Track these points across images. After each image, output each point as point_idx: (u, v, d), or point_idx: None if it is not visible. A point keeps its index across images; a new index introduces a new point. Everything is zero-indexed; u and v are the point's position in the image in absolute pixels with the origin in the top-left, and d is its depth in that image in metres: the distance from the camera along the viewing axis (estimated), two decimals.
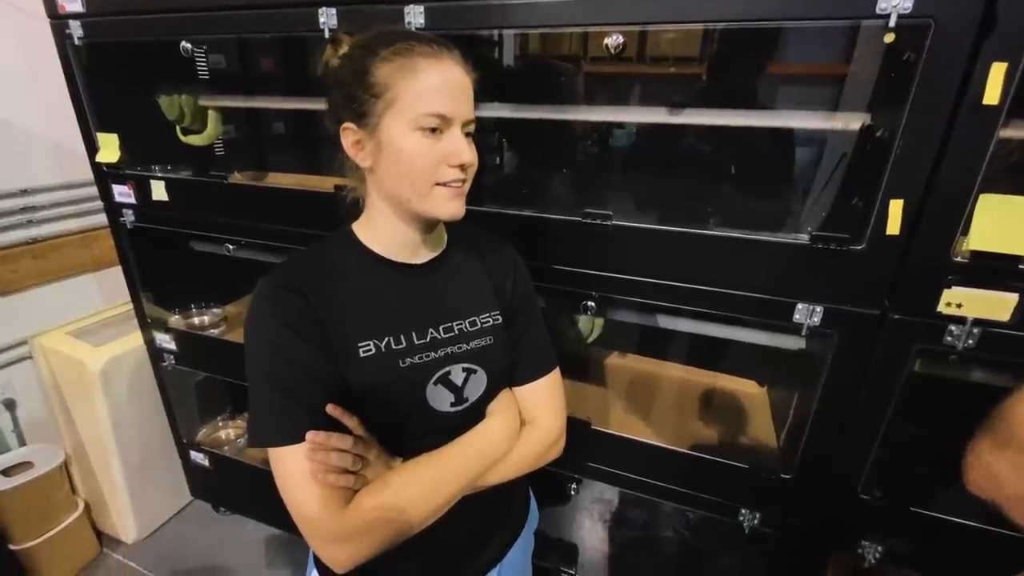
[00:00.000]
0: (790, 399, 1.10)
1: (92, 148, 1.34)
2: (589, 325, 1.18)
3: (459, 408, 0.71)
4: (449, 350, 0.70)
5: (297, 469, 0.60)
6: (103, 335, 1.63)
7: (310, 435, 0.59)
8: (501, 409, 0.75)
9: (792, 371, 1.12)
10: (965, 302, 0.76)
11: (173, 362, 1.55)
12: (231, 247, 1.30)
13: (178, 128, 1.37)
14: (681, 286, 0.93)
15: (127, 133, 1.32)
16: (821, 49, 0.97)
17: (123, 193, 1.37)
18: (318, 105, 1.18)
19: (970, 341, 0.78)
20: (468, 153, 0.63)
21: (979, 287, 0.75)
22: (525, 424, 0.77)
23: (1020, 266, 0.72)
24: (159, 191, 1.32)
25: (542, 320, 0.81)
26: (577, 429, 0.81)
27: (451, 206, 0.65)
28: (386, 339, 0.67)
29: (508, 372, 0.77)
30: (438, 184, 0.63)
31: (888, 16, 0.68)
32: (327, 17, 0.97)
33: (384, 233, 0.70)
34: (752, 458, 1.03)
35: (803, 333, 0.87)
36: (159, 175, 1.31)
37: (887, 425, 0.87)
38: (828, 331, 0.86)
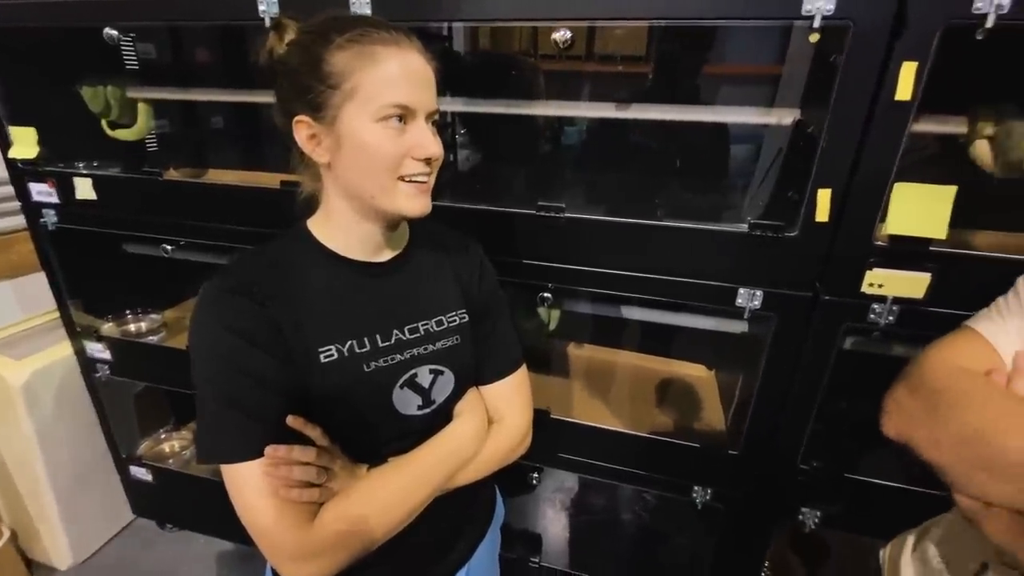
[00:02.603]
0: (736, 381, 1.16)
1: (4, 143, 1.23)
2: (547, 316, 1.20)
3: (427, 410, 0.70)
4: (415, 351, 0.68)
5: (256, 486, 0.56)
6: (25, 347, 1.50)
7: (270, 450, 0.56)
8: (469, 409, 0.74)
9: (737, 354, 1.18)
10: (885, 282, 0.83)
11: (108, 372, 1.45)
12: (169, 248, 1.23)
13: (104, 122, 1.28)
14: (632, 275, 0.96)
15: (46, 127, 1.22)
16: (759, 50, 1.03)
17: (43, 192, 1.27)
18: (259, 98, 1.14)
19: (890, 318, 0.85)
20: (435, 145, 0.61)
21: (897, 268, 0.82)
22: (492, 423, 0.77)
23: (931, 248, 0.80)
24: (85, 189, 1.23)
25: (509, 317, 0.80)
26: (538, 418, 0.82)
27: (417, 202, 0.62)
28: (349, 343, 0.64)
29: (475, 371, 0.76)
30: (402, 179, 0.61)
31: (813, 17, 0.73)
32: (267, 5, 0.93)
33: (343, 231, 0.66)
34: (703, 438, 1.08)
35: (745, 316, 0.93)
36: (84, 172, 1.22)
37: (821, 400, 0.94)
38: (768, 314, 0.91)
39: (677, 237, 0.92)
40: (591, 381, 1.37)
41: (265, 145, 1.43)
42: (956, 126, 0.84)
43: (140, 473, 1.58)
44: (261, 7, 0.93)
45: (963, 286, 0.80)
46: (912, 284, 0.82)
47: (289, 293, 0.62)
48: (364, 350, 0.65)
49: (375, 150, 0.59)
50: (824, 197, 0.81)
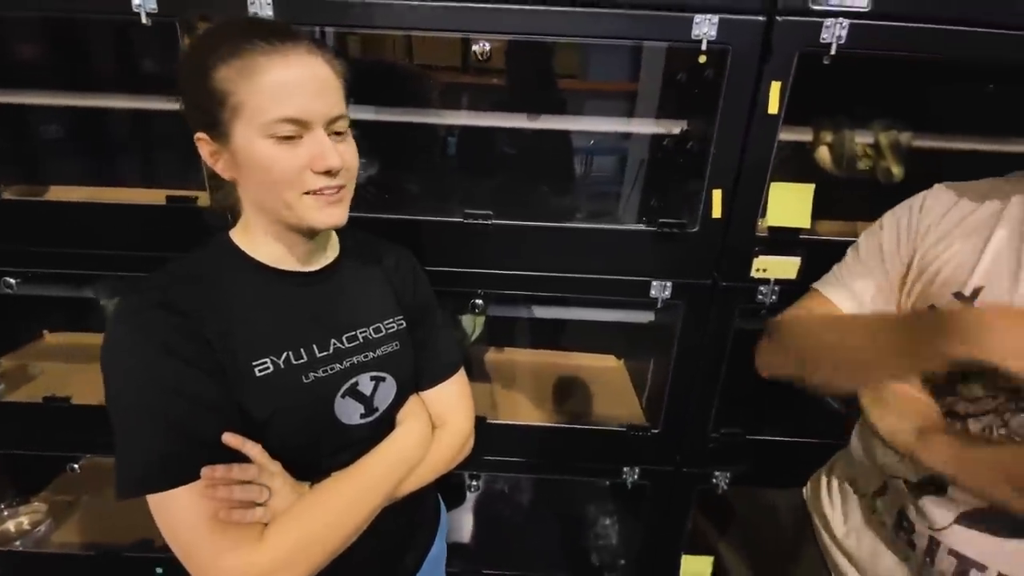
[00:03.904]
0: (644, 366, 1.28)
1: None
2: (471, 324, 1.21)
3: (370, 419, 0.68)
4: (355, 359, 0.67)
5: (193, 512, 0.52)
6: None
7: (207, 471, 0.52)
8: (412, 415, 0.74)
9: (643, 342, 1.30)
10: (768, 267, 0.98)
11: None
12: (14, 282, 1.01)
13: None
14: (557, 276, 1.02)
15: None
16: (652, 67, 1.14)
17: None
18: (114, 102, 0.99)
19: (774, 297, 1.00)
20: (335, 156, 0.57)
21: (776, 255, 0.97)
22: (436, 427, 0.77)
23: (800, 236, 0.96)
24: None
25: (443, 321, 0.81)
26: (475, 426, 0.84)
27: (327, 214, 0.59)
28: (284, 354, 0.61)
29: (415, 377, 0.76)
30: (307, 193, 0.58)
31: (700, 41, 0.85)
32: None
33: (266, 242, 0.63)
34: (625, 421, 1.17)
35: (659, 306, 1.03)
36: None
37: (724, 374, 1.07)
38: (676, 302, 1.02)
39: (597, 238, 0.99)
40: (514, 383, 1.40)
41: (141, 156, 1.25)
42: (806, 135, 1.03)
43: None
44: (136, 1, 0.82)
45: (824, 266, 0.95)
46: (788, 267, 0.98)
47: (216, 306, 0.59)
48: (301, 361, 0.62)
49: (269, 167, 0.56)
50: (717, 196, 0.94)
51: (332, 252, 0.70)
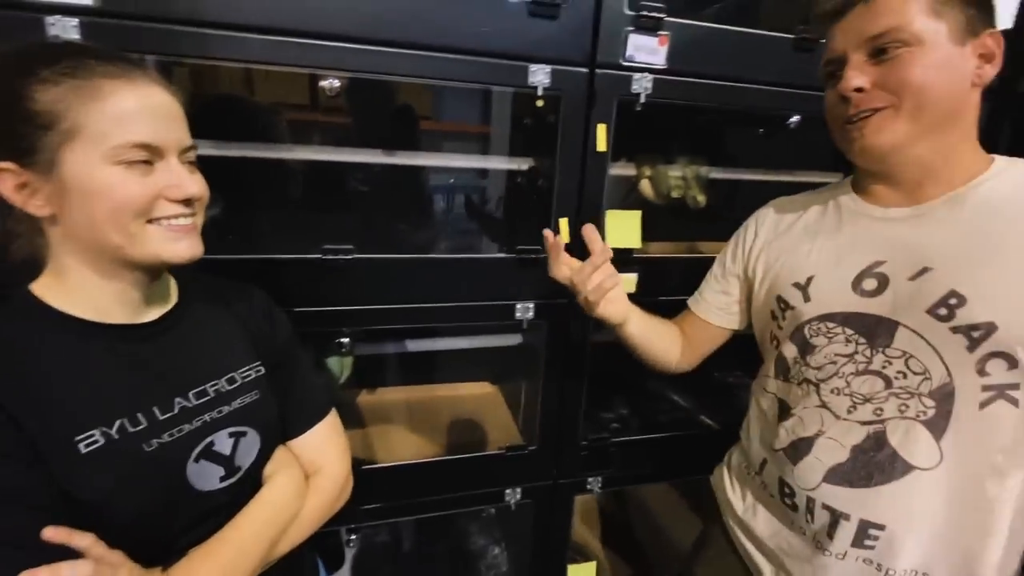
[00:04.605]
0: (517, 387, 1.33)
1: None
2: (339, 366, 1.15)
3: (232, 480, 0.62)
4: (207, 417, 0.60)
5: None
6: None
7: (26, 575, 0.43)
8: (281, 467, 0.68)
9: (514, 364, 1.35)
10: None
11: None
12: None
13: None
14: (424, 307, 1.02)
15: None
16: (502, 109, 1.24)
17: None
18: None
19: None
20: (193, 184, 0.56)
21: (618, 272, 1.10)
22: (310, 476, 0.72)
23: (635, 255, 1.10)
24: None
25: (308, 363, 0.77)
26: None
27: (184, 246, 0.56)
28: (117, 423, 0.53)
29: (280, 427, 0.70)
30: (152, 222, 0.54)
31: (536, 87, 0.95)
32: None
33: (85, 292, 0.56)
34: (504, 444, 1.20)
35: (524, 327, 1.09)
36: None
37: (587, 384, 1.16)
38: (540, 321, 1.10)
39: (462, 267, 1.03)
40: (390, 423, 1.35)
41: None
42: (632, 170, 1.19)
43: None
44: None
45: (657, 280, 1.12)
46: (628, 283, 1.11)
47: (20, 377, 0.50)
48: (140, 428, 0.55)
49: (116, 195, 0.52)
50: (564, 224, 1.04)
51: (170, 299, 0.64)
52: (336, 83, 0.86)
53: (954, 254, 0.63)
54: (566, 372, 1.14)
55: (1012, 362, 0.59)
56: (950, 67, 0.61)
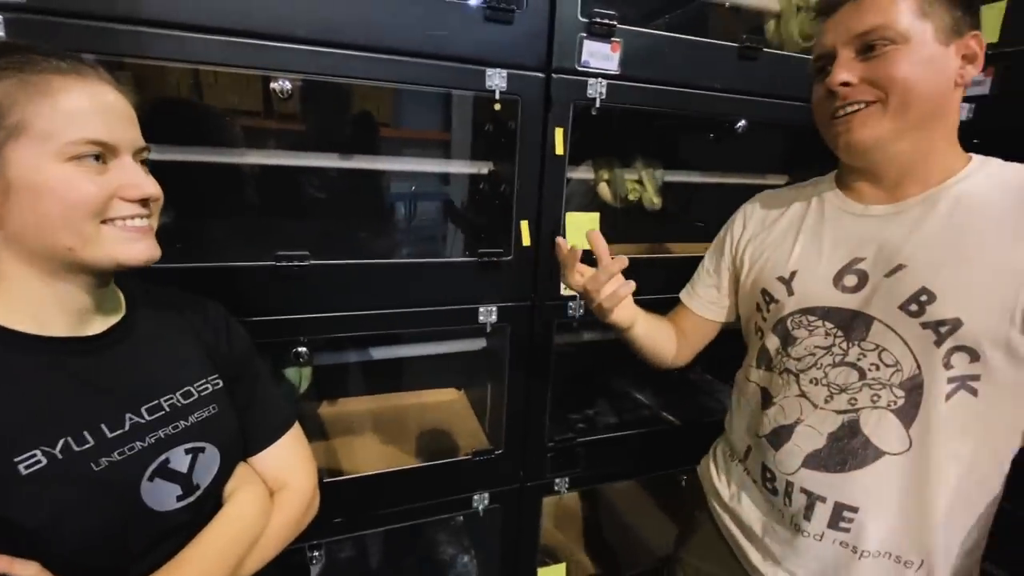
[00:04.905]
0: (483, 392, 1.32)
1: None
2: (297, 377, 1.12)
3: (190, 499, 0.59)
4: (161, 433, 0.58)
5: None
6: None
7: None
8: (244, 483, 0.65)
9: (479, 368, 1.35)
10: None
11: None
12: None
13: None
14: (385, 312, 1.01)
15: None
16: (462, 113, 1.24)
17: None
18: None
19: (581, 311, 1.14)
20: (150, 184, 0.55)
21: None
22: (275, 492, 0.69)
23: (594, 256, 1.11)
24: None
25: (268, 375, 0.74)
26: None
27: (140, 248, 0.55)
28: (61, 442, 0.50)
29: (241, 441, 0.68)
30: (107, 223, 0.53)
31: (494, 91, 0.96)
32: None
33: (26, 301, 0.52)
34: (471, 449, 1.19)
35: (488, 331, 1.09)
36: None
37: (552, 386, 1.17)
38: (503, 324, 1.10)
39: (424, 271, 1.02)
40: (353, 434, 1.32)
41: None
42: (590, 173, 1.22)
43: None
44: None
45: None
46: None
47: None
48: (87, 446, 0.52)
49: (68, 194, 0.50)
50: (525, 227, 1.05)
51: (117, 309, 0.61)
52: (287, 84, 0.84)
53: (926, 252, 0.66)
54: (530, 374, 1.15)
55: (974, 355, 0.62)
56: (935, 66, 0.64)
